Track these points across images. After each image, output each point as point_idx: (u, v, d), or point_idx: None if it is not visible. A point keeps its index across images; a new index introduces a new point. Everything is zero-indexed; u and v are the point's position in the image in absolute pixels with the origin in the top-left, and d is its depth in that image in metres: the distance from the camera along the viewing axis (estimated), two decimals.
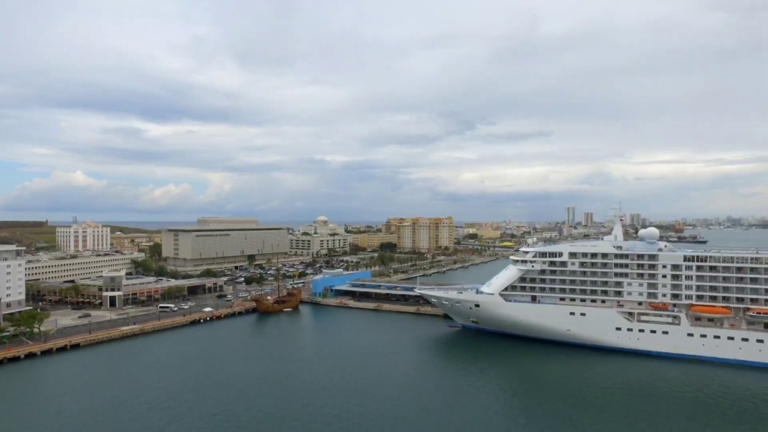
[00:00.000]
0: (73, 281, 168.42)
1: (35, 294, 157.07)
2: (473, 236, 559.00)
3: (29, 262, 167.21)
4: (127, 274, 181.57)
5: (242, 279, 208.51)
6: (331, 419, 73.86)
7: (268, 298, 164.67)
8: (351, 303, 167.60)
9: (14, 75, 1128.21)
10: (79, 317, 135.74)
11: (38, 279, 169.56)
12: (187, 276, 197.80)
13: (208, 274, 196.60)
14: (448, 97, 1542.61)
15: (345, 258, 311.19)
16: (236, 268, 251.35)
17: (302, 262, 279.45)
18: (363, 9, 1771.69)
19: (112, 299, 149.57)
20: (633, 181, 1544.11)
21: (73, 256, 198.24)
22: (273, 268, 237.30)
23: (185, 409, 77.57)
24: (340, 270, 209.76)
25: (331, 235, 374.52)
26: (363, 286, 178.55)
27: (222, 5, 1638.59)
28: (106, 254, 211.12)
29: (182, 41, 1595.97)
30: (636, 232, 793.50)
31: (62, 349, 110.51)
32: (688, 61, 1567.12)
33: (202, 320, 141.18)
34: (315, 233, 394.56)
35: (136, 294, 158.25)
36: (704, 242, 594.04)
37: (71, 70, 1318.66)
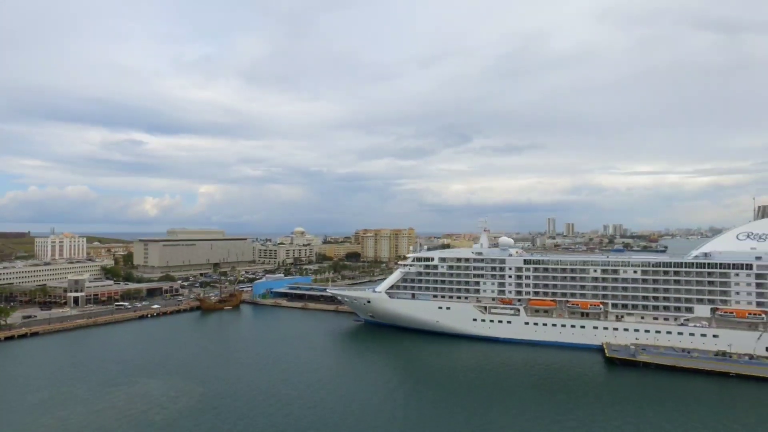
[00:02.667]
0: (44, 285, 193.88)
1: (8, 295, 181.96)
2: (446, 246, 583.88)
3: (5, 268, 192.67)
4: (96, 279, 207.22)
5: (198, 284, 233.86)
6: (227, 386, 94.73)
7: (212, 298, 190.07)
8: (284, 303, 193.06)
9: (15, 89, 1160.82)
10: (23, 317, 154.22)
11: (12, 283, 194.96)
12: (149, 281, 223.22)
13: (167, 279, 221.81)
14: (443, 111, 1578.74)
15: (308, 266, 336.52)
16: (201, 274, 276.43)
17: (265, 270, 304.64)
18: (366, 31, 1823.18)
19: (76, 299, 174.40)
20: (620, 192, 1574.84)
21: (47, 263, 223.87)
22: (233, 275, 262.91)
23: (105, 378, 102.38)
24: (281, 275, 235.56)
25: (303, 245, 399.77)
26: (298, 288, 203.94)
27: (235, 26, 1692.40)
28: (78, 262, 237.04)
29: (190, 59, 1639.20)
30: (611, 240, 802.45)
31: (23, 336, 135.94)
32: (676, 77, 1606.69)
33: (149, 315, 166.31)
34: (291, 243, 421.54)
35: (97, 295, 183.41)
36: (664, 251, 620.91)
37: (77, 86, 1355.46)
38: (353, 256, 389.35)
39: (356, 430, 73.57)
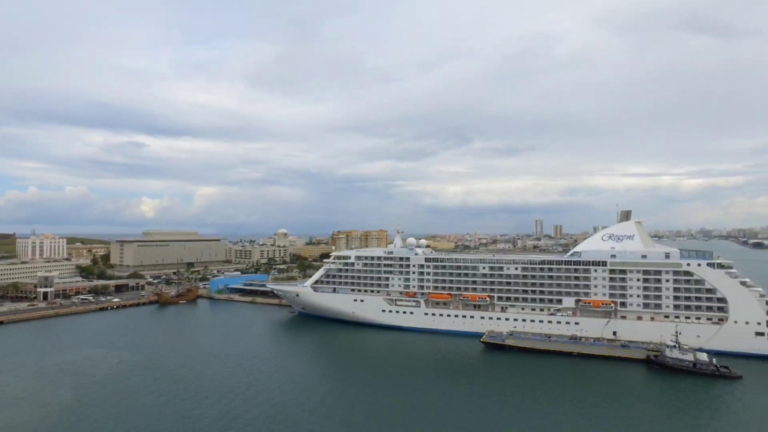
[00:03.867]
0: (17, 282, 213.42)
1: None
2: (428, 247, 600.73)
3: None
4: (72, 276, 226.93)
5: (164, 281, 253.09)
6: (157, 356, 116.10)
7: (171, 293, 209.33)
8: (236, 297, 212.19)
9: (16, 93, 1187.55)
10: None
11: None
12: (119, 278, 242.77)
13: (135, 276, 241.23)
14: (444, 114, 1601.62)
15: (280, 266, 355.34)
16: (174, 273, 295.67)
17: (237, 269, 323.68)
18: (370, 35, 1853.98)
19: (45, 294, 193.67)
20: (618, 194, 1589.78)
21: (23, 262, 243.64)
22: (204, 274, 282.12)
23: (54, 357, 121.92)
24: (238, 273, 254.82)
25: (279, 246, 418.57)
26: (251, 285, 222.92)
27: (242, 30, 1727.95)
28: (55, 261, 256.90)
29: (195, 63, 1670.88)
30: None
31: None
32: (672, 80, 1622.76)
33: (109, 308, 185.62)
34: (273, 244, 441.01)
35: (66, 290, 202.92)
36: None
37: (79, 89, 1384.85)
38: (326, 257, 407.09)
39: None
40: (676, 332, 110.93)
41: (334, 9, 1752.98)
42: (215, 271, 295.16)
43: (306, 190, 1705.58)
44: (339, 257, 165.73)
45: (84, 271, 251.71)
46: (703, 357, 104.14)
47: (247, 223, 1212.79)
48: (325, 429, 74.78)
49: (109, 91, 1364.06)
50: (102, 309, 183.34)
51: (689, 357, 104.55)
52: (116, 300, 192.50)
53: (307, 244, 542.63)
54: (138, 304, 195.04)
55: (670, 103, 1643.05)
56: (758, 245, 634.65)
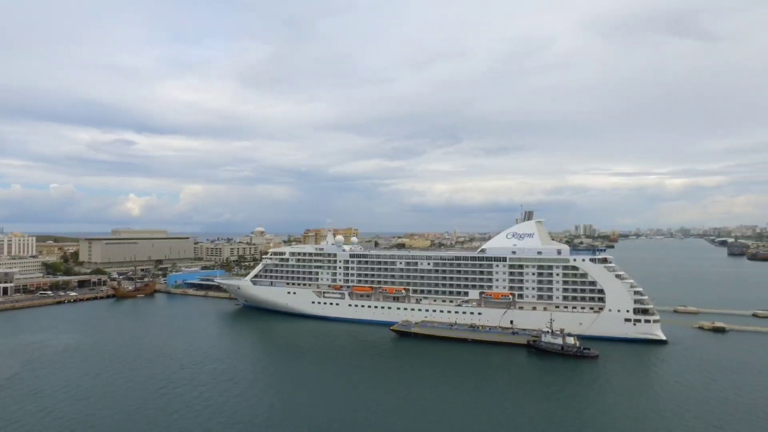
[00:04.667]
0: None
1: None
2: (401, 245, 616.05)
3: None
4: (36, 273, 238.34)
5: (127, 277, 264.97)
6: (101, 340, 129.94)
7: (129, 287, 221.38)
8: (191, 291, 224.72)
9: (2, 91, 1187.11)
10: None
11: None
12: (83, 274, 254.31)
13: (98, 272, 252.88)
14: (434, 113, 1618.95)
15: (248, 263, 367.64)
16: (141, 270, 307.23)
17: (204, 266, 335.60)
18: (363, 35, 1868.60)
19: (5, 289, 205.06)
20: (605, 193, 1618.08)
21: None
22: (176, 270, 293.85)
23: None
24: (197, 268, 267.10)
25: (248, 243, 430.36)
26: (207, 280, 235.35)
27: (237, 30, 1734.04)
28: (21, 258, 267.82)
29: (188, 62, 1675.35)
30: (578, 240, 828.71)
31: None
32: (656, 82, 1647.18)
33: (66, 301, 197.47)
34: (250, 242, 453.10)
35: (27, 285, 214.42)
36: (604, 250, 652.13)
37: (67, 87, 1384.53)
38: None
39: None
40: (551, 320, 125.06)
41: (328, 9, 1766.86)
42: (183, 268, 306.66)
43: (296, 189, 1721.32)
44: (275, 253, 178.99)
45: (50, 268, 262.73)
46: (570, 341, 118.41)
47: (233, 221, 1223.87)
48: (253, 404, 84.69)
49: (99, 89, 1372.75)
50: (59, 303, 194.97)
51: (559, 341, 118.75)
52: (73, 294, 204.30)
53: (285, 242, 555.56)
54: (95, 298, 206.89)
55: (653, 104, 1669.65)
56: (723, 243, 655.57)
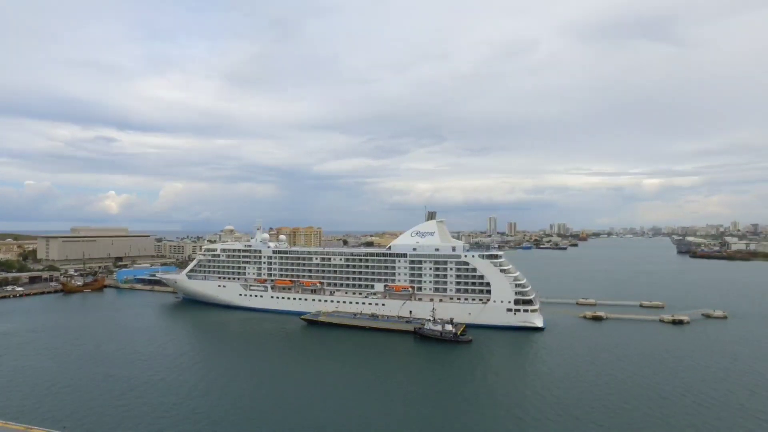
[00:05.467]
0: None
1: None
2: (369, 243, 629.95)
3: None
4: None
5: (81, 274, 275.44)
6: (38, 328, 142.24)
7: (78, 283, 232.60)
8: (138, 286, 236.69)
9: None
10: None
11: None
12: (35, 271, 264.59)
13: (51, 269, 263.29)
14: (417, 113, 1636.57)
15: None
16: (100, 267, 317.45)
17: (163, 264, 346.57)
18: (348, 37, 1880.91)
19: None
20: (585, 192, 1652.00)
21: None
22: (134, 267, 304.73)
23: None
24: (148, 265, 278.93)
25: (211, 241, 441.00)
26: (155, 275, 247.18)
27: (224, 29, 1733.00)
28: None
29: (173, 59, 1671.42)
30: (548, 239, 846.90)
31: None
32: (632, 85, 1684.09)
33: (11, 296, 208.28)
34: (219, 240, 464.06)
35: None
36: (564, 249, 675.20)
37: (46, 83, 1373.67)
38: None
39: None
40: (433, 309, 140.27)
41: (314, 10, 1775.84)
42: (147, 265, 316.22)
43: (279, 187, 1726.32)
44: (208, 250, 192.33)
45: (2, 265, 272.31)
46: (449, 328, 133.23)
47: (212, 219, 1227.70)
48: (172, 384, 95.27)
49: (79, 85, 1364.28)
50: (4, 297, 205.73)
51: (439, 328, 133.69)
52: (20, 289, 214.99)
53: None
54: (42, 293, 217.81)
55: (630, 105, 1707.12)
56: (680, 241, 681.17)
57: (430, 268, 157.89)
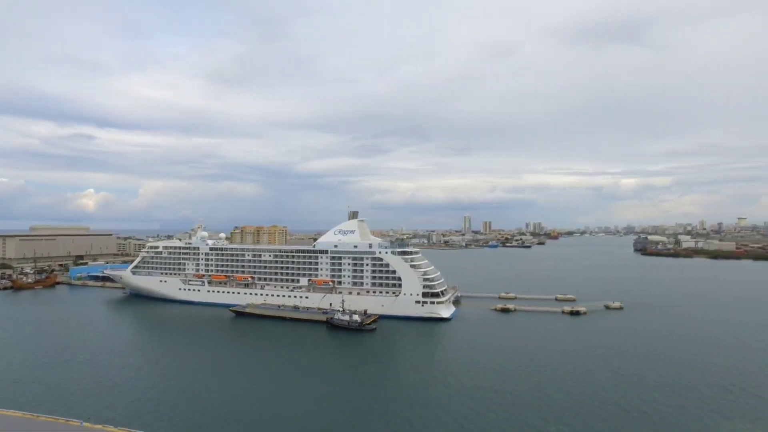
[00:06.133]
0: None
1: None
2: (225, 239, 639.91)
3: None
4: None
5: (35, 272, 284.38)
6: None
7: (29, 279, 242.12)
8: (90, 283, 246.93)
9: None
10: None
11: None
12: None
13: (3, 267, 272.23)
14: (402, 113, 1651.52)
15: None
16: (60, 265, 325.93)
17: (124, 261, 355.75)
18: (333, 37, 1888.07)
19: None
20: (566, 192, 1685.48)
21: None
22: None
23: None
24: (102, 263, 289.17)
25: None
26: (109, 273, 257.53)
27: (211, 28, 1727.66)
28: None
29: (157, 57, 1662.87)
30: (517, 238, 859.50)
31: None
32: (608, 87, 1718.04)
33: None
34: (188, 239, 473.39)
35: None
36: (529, 247, 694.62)
37: (25, 80, 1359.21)
38: None
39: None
40: (342, 301, 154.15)
41: (301, 10, 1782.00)
42: (103, 263, 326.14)
43: (261, 186, 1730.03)
44: (152, 247, 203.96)
45: None
46: (355, 317, 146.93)
47: (191, 218, 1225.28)
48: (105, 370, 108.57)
49: (58, 82, 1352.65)
50: None
51: (347, 318, 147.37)
52: None
53: (227, 238, 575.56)
54: None
55: (607, 107, 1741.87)
56: (636, 240, 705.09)
57: (349, 264, 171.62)
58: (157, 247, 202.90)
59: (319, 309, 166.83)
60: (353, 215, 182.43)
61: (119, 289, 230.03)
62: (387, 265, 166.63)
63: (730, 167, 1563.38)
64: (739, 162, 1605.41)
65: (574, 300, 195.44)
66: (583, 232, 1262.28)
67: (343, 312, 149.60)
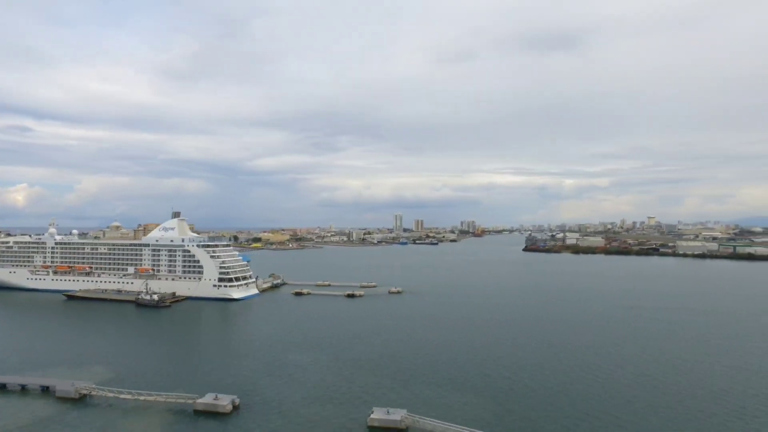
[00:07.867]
0: None
1: None
2: (257, 239, 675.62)
3: None
4: None
5: None
6: None
7: None
8: None
9: None
10: None
11: None
12: None
13: None
14: (354, 113, 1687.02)
15: None
16: None
17: None
18: (290, 36, 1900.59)
19: None
20: (512, 191, 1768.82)
21: None
22: None
23: None
24: None
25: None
26: None
27: (167, 23, 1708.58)
28: None
29: (108, 50, 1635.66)
30: (447, 236, 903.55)
31: None
32: (554, 89, 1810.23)
33: None
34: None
35: None
36: (436, 244, 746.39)
37: None
38: None
39: None
40: (146, 284, 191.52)
41: (259, 10, 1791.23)
42: None
43: (209, 183, 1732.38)
44: (2, 242, 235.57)
45: None
46: (154, 297, 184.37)
47: (127, 215, 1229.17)
48: None
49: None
50: None
51: (148, 297, 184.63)
52: None
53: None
54: None
55: (549, 110, 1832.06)
56: (528, 237, 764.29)
57: (165, 255, 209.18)
58: (7, 242, 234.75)
59: (140, 292, 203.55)
60: (175, 215, 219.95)
61: None
62: (193, 255, 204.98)
63: (659, 170, 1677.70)
64: (667, 165, 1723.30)
65: (374, 286, 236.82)
66: (512, 231, 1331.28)
67: (146, 293, 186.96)
